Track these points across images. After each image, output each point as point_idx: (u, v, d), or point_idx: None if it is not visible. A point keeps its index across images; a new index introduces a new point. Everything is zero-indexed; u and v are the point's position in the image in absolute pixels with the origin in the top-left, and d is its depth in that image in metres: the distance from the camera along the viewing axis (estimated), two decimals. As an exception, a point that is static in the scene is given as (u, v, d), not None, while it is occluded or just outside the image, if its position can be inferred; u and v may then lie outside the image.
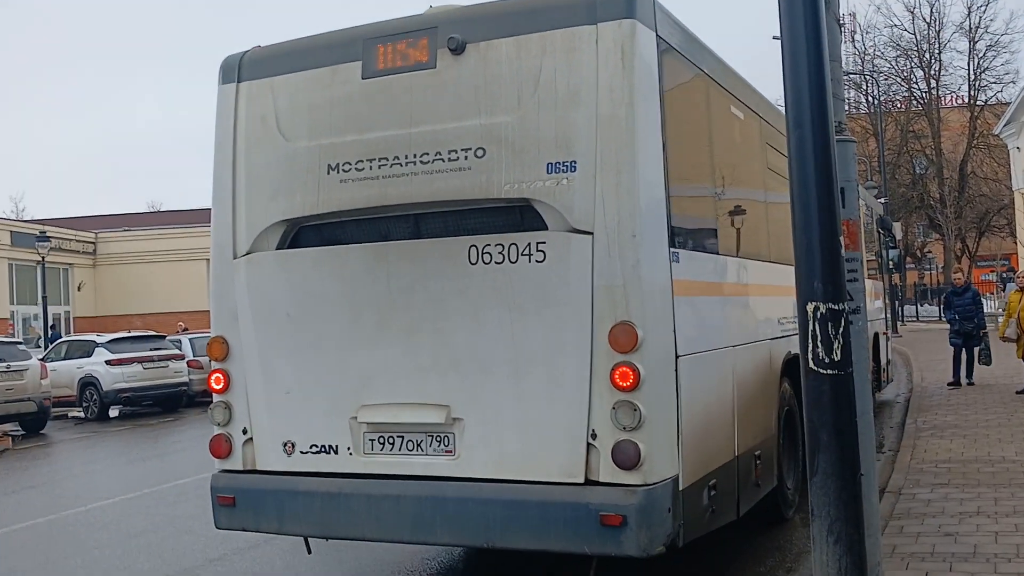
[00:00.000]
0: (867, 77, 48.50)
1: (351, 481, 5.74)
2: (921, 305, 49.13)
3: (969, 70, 49.37)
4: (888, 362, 16.46)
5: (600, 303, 5.20)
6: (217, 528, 6.30)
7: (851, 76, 49.18)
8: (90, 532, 9.36)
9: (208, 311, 6.38)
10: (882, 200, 32.80)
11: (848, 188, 4.60)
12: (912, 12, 49.72)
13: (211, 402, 6.28)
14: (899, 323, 36.44)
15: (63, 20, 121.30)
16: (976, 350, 15.75)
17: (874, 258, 16.19)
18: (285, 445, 5.96)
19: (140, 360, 21.43)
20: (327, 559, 7.46)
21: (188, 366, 22.40)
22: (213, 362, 6.25)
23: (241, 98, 6.23)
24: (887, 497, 8.13)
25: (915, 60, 50.49)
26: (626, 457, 5.11)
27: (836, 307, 3.63)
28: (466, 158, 5.51)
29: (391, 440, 5.71)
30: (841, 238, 3.68)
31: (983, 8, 48.35)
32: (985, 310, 16.72)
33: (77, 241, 44.58)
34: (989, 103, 48.56)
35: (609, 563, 5.43)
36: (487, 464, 5.45)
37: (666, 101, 5.56)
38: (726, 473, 6.27)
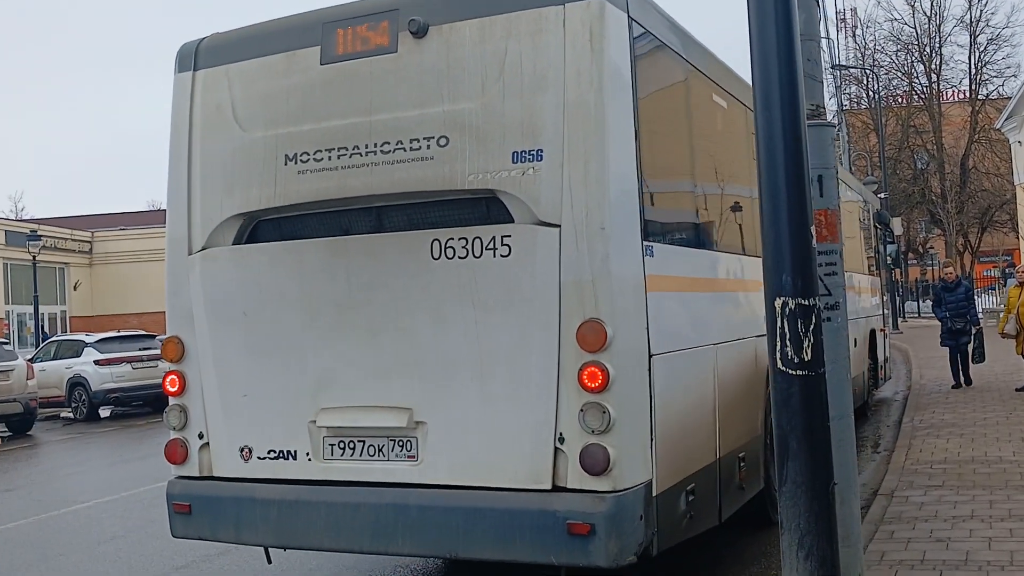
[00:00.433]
0: (867, 72, 48.15)
1: (309, 488, 5.47)
2: (923, 301, 48.75)
3: (970, 64, 49.10)
4: (886, 359, 16.17)
5: (568, 300, 4.92)
6: (173, 537, 6.03)
7: (851, 71, 48.89)
8: (59, 537, 9.10)
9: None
10: (882, 195, 32.50)
11: (826, 176, 4.32)
12: (912, 6, 49.38)
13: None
14: (900, 319, 36.12)
15: (65, 21, 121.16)
16: (969, 348, 14.94)
17: (872, 253, 15.82)
18: (242, 450, 5.69)
19: (129, 360, 21.14)
20: (294, 565, 7.19)
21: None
22: (168, 363, 5.98)
23: (197, 87, 5.95)
24: (879, 500, 7.87)
25: (916, 54, 50.20)
26: (594, 462, 4.84)
27: (806, 303, 3.35)
28: (428, 147, 5.23)
29: (351, 445, 5.43)
30: (812, 228, 3.38)
31: (984, 1, 48.09)
32: (986, 305, 16.24)
33: (73, 240, 44.35)
34: (990, 97, 48.28)
35: (580, 572, 5.15)
36: (451, 470, 5.18)
37: (639, 86, 5.28)
38: (706, 476, 6.00)
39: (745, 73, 7.52)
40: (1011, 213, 48.16)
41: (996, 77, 48.59)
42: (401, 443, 5.31)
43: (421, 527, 5.19)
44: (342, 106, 5.46)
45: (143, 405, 22.04)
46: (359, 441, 5.41)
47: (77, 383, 21.13)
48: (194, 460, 5.86)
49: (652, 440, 5.12)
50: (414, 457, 5.27)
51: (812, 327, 3.36)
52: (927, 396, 14.45)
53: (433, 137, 5.22)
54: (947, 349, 15.30)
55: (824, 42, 55.72)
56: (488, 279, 5.07)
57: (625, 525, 4.87)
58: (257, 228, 5.79)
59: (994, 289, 38.54)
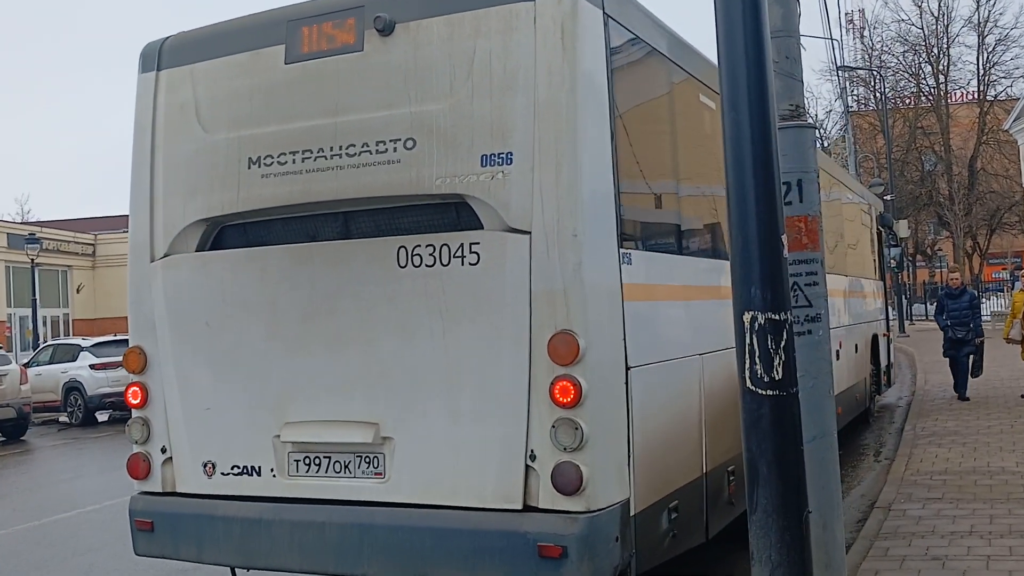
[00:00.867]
0: (874, 73, 47.77)
1: (273, 506, 5.24)
2: (929, 304, 48.38)
3: (978, 65, 48.66)
4: (890, 364, 15.86)
5: (538, 310, 4.68)
6: (136, 555, 5.83)
7: (858, 72, 48.52)
8: (36, 550, 8.89)
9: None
10: (888, 197, 32.17)
11: (806, 180, 4.07)
12: (920, 6, 48.91)
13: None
14: (907, 323, 35.80)
15: (68, 23, 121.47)
16: (970, 359, 13.98)
17: (875, 257, 15.50)
18: (205, 466, 5.47)
19: (125, 364, 20.92)
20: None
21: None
22: (130, 375, 5.76)
23: (161, 87, 5.74)
24: (875, 513, 7.63)
25: (923, 55, 49.76)
26: (567, 481, 4.59)
27: (777, 317, 3.11)
28: (395, 150, 5.00)
29: (317, 461, 5.20)
30: (784, 237, 3.14)
31: (992, 2, 47.74)
32: (994, 308, 15.71)
33: (76, 243, 44.22)
34: (999, 98, 47.78)
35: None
36: (419, 488, 4.94)
37: (616, 86, 5.04)
38: (691, 493, 5.75)
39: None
40: (1020, 215, 47.87)
41: (1004, 78, 48.19)
42: (368, 459, 5.08)
43: (387, 548, 4.96)
44: (307, 107, 5.24)
45: (140, 410, 21.84)
46: (324, 457, 5.18)
47: (73, 387, 20.96)
48: (157, 475, 5.64)
49: (630, 457, 4.88)
50: (381, 474, 5.04)
51: (783, 343, 3.12)
52: (930, 403, 14.16)
53: (400, 139, 4.99)
54: (948, 360, 14.39)
55: (830, 43, 55.43)
56: (456, 288, 4.84)
57: (599, 547, 4.62)
58: (221, 234, 5.58)
59: (1001, 290, 38.20)
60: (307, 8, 5.37)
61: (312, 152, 5.20)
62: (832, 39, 50.61)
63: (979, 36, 48.09)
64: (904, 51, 49.94)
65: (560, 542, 4.56)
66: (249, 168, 5.36)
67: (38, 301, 34.05)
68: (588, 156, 4.75)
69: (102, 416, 21.56)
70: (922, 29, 49.22)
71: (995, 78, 48.33)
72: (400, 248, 4.97)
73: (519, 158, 4.74)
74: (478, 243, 4.80)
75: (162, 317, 5.60)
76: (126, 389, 5.83)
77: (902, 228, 30.13)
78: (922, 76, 50.09)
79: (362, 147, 5.07)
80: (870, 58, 50.32)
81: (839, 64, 39.19)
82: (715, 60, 6.75)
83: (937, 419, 12.42)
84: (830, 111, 51.55)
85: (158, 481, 5.64)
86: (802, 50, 4.19)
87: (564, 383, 4.59)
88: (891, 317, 20.16)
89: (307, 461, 5.22)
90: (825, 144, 47.00)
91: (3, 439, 18.61)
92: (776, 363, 3.09)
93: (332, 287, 5.14)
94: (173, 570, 7.49)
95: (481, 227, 4.83)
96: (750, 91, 3.15)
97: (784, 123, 4.05)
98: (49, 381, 20.97)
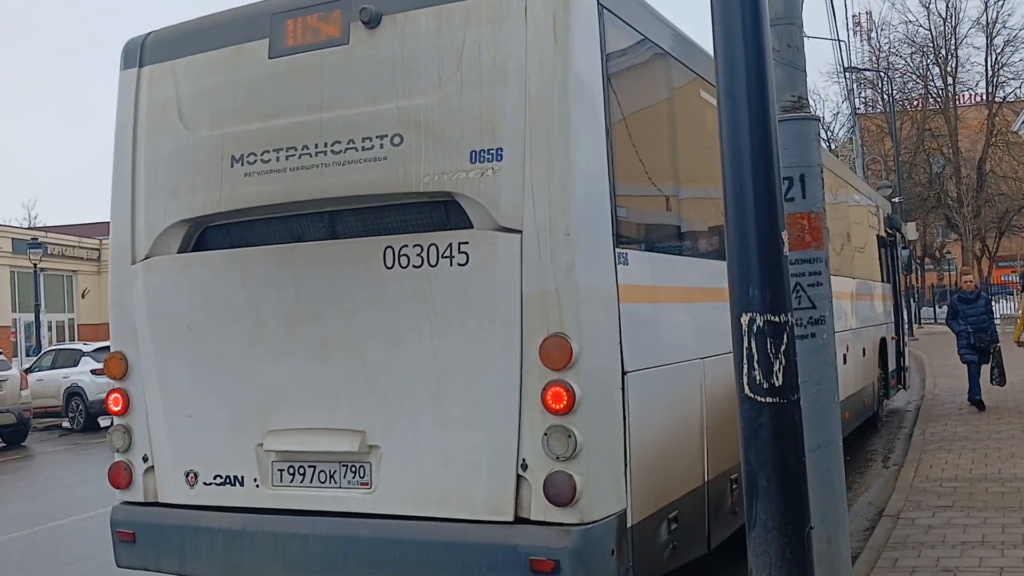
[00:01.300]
0: (882, 75, 47.47)
1: (256, 517, 5.05)
2: (939, 307, 48.03)
3: (987, 66, 48.31)
4: (899, 368, 15.53)
5: (530, 312, 4.48)
6: (118, 567, 5.65)
7: (866, 74, 48.24)
8: (27, 559, 8.72)
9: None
10: (896, 199, 31.90)
11: (809, 175, 3.87)
12: (927, 8, 48.56)
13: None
14: (916, 326, 35.50)
15: (71, 23, 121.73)
16: (990, 368, 13.19)
17: (883, 259, 15.22)
18: (187, 475, 5.28)
19: (126, 369, 20.78)
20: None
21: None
22: (112, 381, 5.58)
23: (143, 84, 5.57)
24: (883, 522, 7.40)
25: (931, 57, 49.41)
26: (559, 491, 4.39)
27: (776, 319, 2.90)
28: (382, 146, 4.82)
29: (301, 471, 5.01)
30: (784, 235, 2.93)
31: (1000, 3, 47.23)
32: (1003, 311, 15.24)
33: (81, 248, 44.21)
34: (1008, 100, 47.44)
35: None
36: (406, 499, 4.75)
37: (612, 80, 4.85)
38: (692, 502, 5.54)
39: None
40: (1030, 217, 47.47)
41: (1013, 79, 47.82)
42: (353, 469, 4.89)
43: (373, 561, 4.76)
44: (291, 103, 5.06)
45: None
46: (309, 467, 4.99)
47: (74, 393, 20.78)
48: (139, 485, 5.47)
49: (627, 466, 4.68)
50: (367, 484, 4.85)
51: (784, 347, 2.91)
52: (940, 407, 13.89)
53: (386, 135, 4.81)
54: (967, 365, 13.53)
55: (837, 44, 55.14)
56: (445, 290, 4.65)
57: (594, 561, 4.42)
58: (204, 235, 5.40)
59: (1012, 293, 37.90)
60: (292, 0, 5.19)
61: (296, 149, 5.02)
62: (839, 40, 50.20)
63: (987, 37, 47.79)
64: (912, 53, 49.65)
65: (552, 556, 4.36)
66: (232, 167, 5.18)
67: (42, 306, 33.94)
68: (581, 152, 4.56)
69: (104, 421, 21.40)
70: (930, 30, 48.93)
71: (1004, 79, 48.02)
72: (387, 248, 4.78)
73: (510, 154, 4.55)
74: (467, 243, 4.61)
75: (143, 321, 5.42)
76: (107, 395, 5.64)
77: (910, 230, 29.86)
78: (930, 78, 49.78)
79: (348, 144, 4.89)
80: (877, 60, 50.03)
81: (846, 66, 38.94)
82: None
83: (947, 424, 12.17)
84: (837, 113, 51.38)
85: (140, 490, 5.48)
86: (804, 37, 3.99)
87: (556, 389, 4.40)
88: (904, 320, 19.84)
89: (291, 471, 5.04)
90: (832, 147, 46.73)
91: (3, 445, 18.45)
92: (776, 368, 2.89)
93: (317, 289, 4.96)
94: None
95: (470, 226, 4.65)
96: (748, 80, 2.95)
97: (786, 115, 3.86)
98: (51, 386, 20.81)
